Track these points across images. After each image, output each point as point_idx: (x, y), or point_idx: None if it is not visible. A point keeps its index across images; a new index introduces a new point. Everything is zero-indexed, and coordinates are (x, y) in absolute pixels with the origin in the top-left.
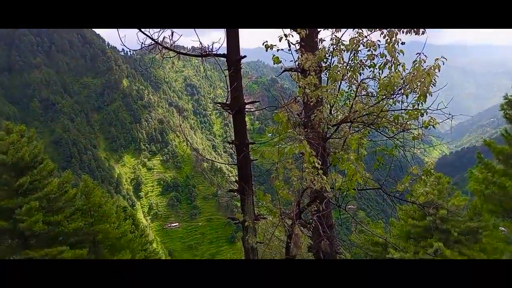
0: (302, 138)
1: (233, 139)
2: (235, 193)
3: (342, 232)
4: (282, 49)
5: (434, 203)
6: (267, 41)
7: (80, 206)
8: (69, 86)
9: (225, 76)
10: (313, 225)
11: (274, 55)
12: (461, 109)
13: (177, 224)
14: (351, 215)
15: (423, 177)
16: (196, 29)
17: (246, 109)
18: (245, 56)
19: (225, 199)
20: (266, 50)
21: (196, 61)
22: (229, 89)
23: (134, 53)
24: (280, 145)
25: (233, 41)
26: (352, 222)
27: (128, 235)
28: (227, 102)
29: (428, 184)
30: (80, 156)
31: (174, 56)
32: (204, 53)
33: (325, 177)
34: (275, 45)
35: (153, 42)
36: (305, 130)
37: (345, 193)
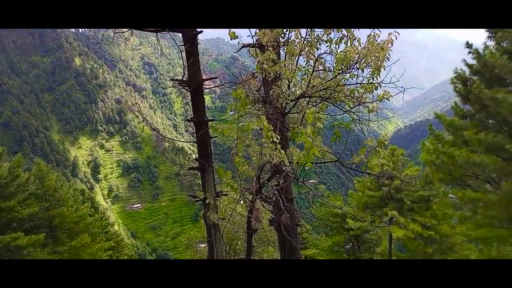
0: (260, 113)
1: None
2: (195, 171)
3: (303, 206)
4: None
5: (389, 173)
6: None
7: (34, 191)
8: (16, 65)
9: (180, 52)
10: (274, 199)
11: (230, 31)
12: (415, 84)
13: (139, 205)
14: (309, 188)
15: (377, 148)
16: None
17: (205, 86)
18: (201, 31)
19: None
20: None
21: (154, 38)
22: (184, 66)
23: (86, 29)
24: (239, 122)
25: None
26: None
27: (87, 218)
28: (183, 79)
29: (382, 155)
30: (32, 139)
31: (127, 31)
32: (158, 28)
33: (283, 152)
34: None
35: None
36: (264, 105)
37: (302, 166)
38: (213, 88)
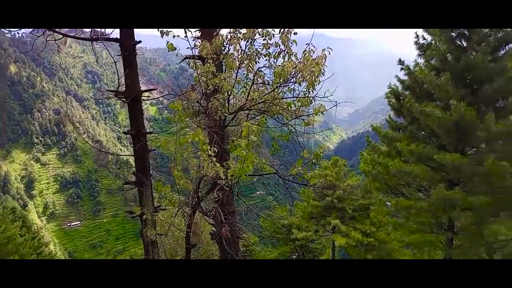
0: (196, 126)
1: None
2: (133, 186)
3: (252, 218)
4: (178, 35)
5: (326, 184)
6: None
7: None
8: None
9: (114, 62)
10: (213, 212)
11: (168, 42)
12: (357, 96)
13: (78, 222)
14: (243, 201)
15: (313, 160)
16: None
17: (143, 98)
18: (140, 42)
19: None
20: (162, 37)
21: (98, 45)
22: (119, 76)
23: (24, 35)
24: (179, 134)
25: None
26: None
27: (17, 238)
28: (119, 91)
29: (319, 167)
30: None
31: (60, 39)
32: (94, 37)
33: (218, 165)
34: (171, 31)
35: None
36: (203, 118)
37: (238, 179)
38: (160, 99)
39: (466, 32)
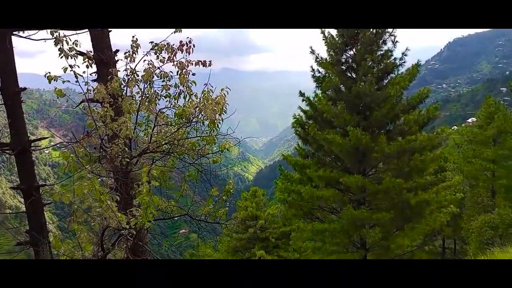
0: (91, 176)
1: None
2: (27, 246)
3: (176, 258)
4: (68, 81)
5: (245, 218)
6: (49, 72)
7: None
8: None
9: None
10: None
11: (56, 88)
12: (270, 127)
13: None
14: (148, 248)
15: (224, 197)
16: None
17: (33, 147)
18: (24, 89)
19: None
20: (50, 82)
21: None
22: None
23: None
24: (77, 184)
25: (7, 69)
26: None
27: None
28: (3, 142)
29: (240, 199)
30: None
31: None
32: None
33: (119, 214)
34: (59, 77)
35: None
36: (105, 164)
37: (144, 226)
38: (64, 143)
39: (354, 65)
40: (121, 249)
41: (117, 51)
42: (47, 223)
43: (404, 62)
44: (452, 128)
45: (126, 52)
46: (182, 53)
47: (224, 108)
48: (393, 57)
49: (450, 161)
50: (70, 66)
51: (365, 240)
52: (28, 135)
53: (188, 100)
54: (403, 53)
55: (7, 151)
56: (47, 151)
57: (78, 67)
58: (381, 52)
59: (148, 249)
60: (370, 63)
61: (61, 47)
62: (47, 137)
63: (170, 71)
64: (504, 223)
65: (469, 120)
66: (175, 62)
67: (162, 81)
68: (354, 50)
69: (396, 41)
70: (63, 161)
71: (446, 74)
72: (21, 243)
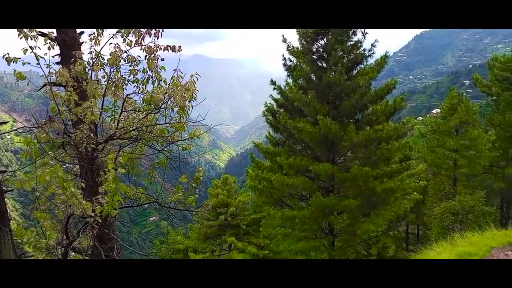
0: (54, 163)
1: None
2: None
3: (146, 246)
4: (28, 63)
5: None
6: (7, 54)
7: None
8: None
9: None
10: (90, 251)
11: (15, 70)
12: (242, 114)
13: None
14: (113, 234)
15: (193, 184)
16: None
17: None
18: None
19: None
20: (8, 64)
21: None
22: None
23: None
24: (38, 171)
25: None
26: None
27: None
28: None
29: (211, 187)
30: None
31: None
32: None
33: (84, 202)
34: (19, 58)
35: None
36: (70, 150)
37: (109, 214)
38: (26, 128)
39: (325, 55)
40: (87, 236)
41: (82, 32)
42: (9, 211)
43: (373, 53)
44: (418, 118)
45: (90, 34)
46: (150, 37)
47: (194, 94)
48: (362, 48)
49: (414, 150)
50: (31, 47)
51: (333, 226)
52: None
53: (157, 85)
54: (372, 44)
55: None
56: (8, 136)
57: (40, 48)
58: (351, 43)
59: (115, 236)
60: (341, 53)
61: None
62: (5, 122)
63: (138, 56)
64: (464, 209)
65: (434, 111)
66: (143, 47)
67: (130, 66)
68: (325, 40)
69: (366, 33)
70: (25, 147)
71: (413, 66)
72: None
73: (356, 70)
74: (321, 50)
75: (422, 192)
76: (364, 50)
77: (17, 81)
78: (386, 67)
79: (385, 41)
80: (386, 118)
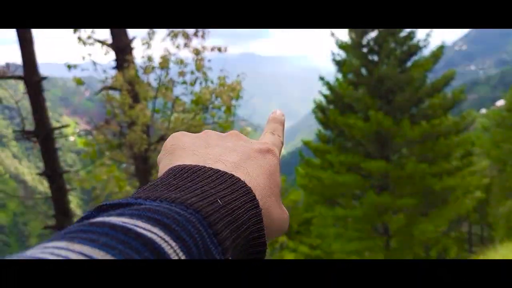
0: (110, 163)
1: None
2: (54, 230)
3: None
4: (87, 69)
5: None
6: (68, 61)
7: None
8: None
9: (16, 102)
10: None
11: (75, 76)
12: (291, 111)
13: None
14: None
15: None
16: None
17: (57, 135)
18: (45, 77)
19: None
20: (69, 70)
21: (13, 80)
22: (22, 116)
23: None
24: (96, 170)
25: (28, 59)
26: None
27: None
28: (25, 129)
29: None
30: None
31: None
32: None
33: None
34: (78, 65)
35: None
36: (121, 152)
37: None
38: (88, 130)
39: (376, 48)
40: None
41: (134, 38)
42: (74, 208)
43: (428, 43)
44: (480, 111)
45: (143, 39)
46: (197, 38)
47: (240, 93)
48: (416, 39)
49: (477, 145)
50: (89, 54)
51: (388, 226)
52: (52, 122)
53: (205, 86)
54: (427, 34)
55: (32, 139)
56: (72, 138)
57: (97, 54)
58: (404, 34)
59: None
60: (393, 45)
61: (79, 35)
62: (68, 125)
63: (186, 57)
64: None
65: (498, 103)
66: (190, 48)
67: (178, 68)
68: (375, 32)
69: None
70: (86, 148)
71: (474, 55)
72: (48, 226)
73: (410, 62)
74: (372, 43)
75: (486, 190)
76: (419, 40)
77: (77, 85)
78: (444, 58)
79: (441, 30)
80: (444, 112)
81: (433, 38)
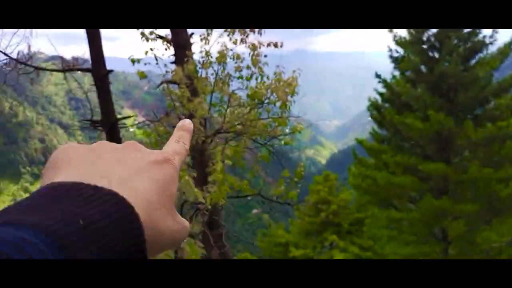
0: None
1: None
2: None
3: (248, 237)
4: (149, 63)
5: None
6: (133, 55)
7: None
8: None
9: (85, 93)
10: (200, 236)
11: (138, 70)
12: (342, 110)
13: None
14: (223, 224)
15: (295, 179)
16: (56, 41)
17: (121, 124)
18: (112, 71)
19: None
20: (133, 64)
21: (80, 73)
22: (91, 106)
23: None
24: None
25: (96, 53)
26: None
27: None
28: (93, 120)
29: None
30: None
31: (32, 72)
32: (66, 68)
33: (196, 189)
34: (142, 59)
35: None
36: None
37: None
38: (146, 122)
39: (436, 44)
40: (198, 222)
41: (192, 34)
42: None
43: (495, 40)
44: None
45: (201, 35)
46: (254, 34)
47: (295, 90)
48: (481, 35)
49: None
50: (151, 49)
51: (447, 232)
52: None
53: (260, 81)
54: (493, 31)
55: (99, 128)
56: (131, 129)
57: (158, 50)
58: (468, 30)
59: (223, 224)
60: (455, 41)
61: (143, 31)
62: (132, 116)
63: (243, 53)
64: None
65: None
66: (247, 44)
67: (235, 63)
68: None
69: None
70: (145, 139)
71: None
72: None
73: (475, 60)
74: (432, 38)
75: None
76: (484, 37)
77: (140, 79)
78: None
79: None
80: None
81: (500, 35)
